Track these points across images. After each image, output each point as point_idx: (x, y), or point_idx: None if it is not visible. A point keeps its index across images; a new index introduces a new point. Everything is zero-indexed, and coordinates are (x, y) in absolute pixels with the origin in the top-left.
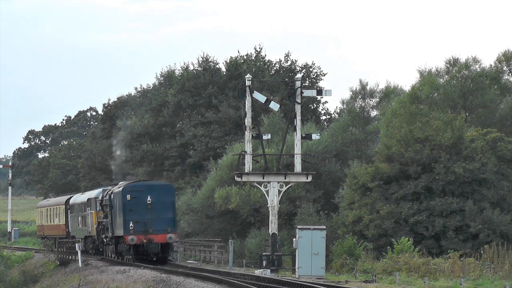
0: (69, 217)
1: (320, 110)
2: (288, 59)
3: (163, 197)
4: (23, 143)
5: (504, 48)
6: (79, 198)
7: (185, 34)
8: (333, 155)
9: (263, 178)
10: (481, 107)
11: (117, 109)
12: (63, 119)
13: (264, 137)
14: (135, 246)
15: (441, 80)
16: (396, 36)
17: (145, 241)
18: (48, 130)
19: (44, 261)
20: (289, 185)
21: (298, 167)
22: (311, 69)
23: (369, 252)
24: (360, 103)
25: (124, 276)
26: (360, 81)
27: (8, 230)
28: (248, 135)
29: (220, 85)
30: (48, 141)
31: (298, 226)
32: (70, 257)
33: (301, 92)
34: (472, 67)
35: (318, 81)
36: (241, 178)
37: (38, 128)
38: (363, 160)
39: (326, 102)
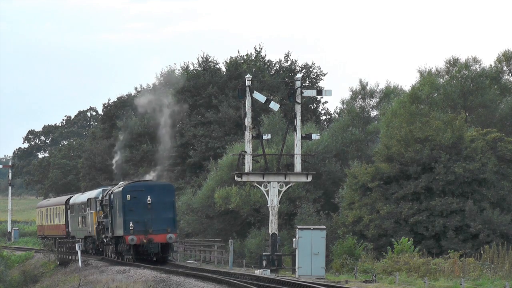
0: (69, 217)
1: (320, 110)
2: (288, 59)
3: (163, 197)
4: (23, 143)
5: (504, 48)
6: (79, 198)
7: (185, 34)
8: (333, 155)
9: (263, 178)
10: (481, 107)
11: (117, 109)
12: (63, 119)
13: (264, 137)
14: (135, 246)
15: (441, 80)
16: (396, 36)
17: (145, 241)
18: (48, 130)
19: (44, 261)
20: (289, 185)
21: (298, 167)
22: (311, 69)
23: (369, 252)
24: (360, 103)
25: (124, 276)
26: (360, 81)
27: (8, 230)
28: (248, 135)
29: (220, 85)
30: (48, 141)
31: (298, 226)
32: (70, 257)
33: (301, 92)
34: (472, 67)
35: (318, 81)
36: (241, 178)
37: (38, 128)
38: (363, 160)
39: (326, 102)
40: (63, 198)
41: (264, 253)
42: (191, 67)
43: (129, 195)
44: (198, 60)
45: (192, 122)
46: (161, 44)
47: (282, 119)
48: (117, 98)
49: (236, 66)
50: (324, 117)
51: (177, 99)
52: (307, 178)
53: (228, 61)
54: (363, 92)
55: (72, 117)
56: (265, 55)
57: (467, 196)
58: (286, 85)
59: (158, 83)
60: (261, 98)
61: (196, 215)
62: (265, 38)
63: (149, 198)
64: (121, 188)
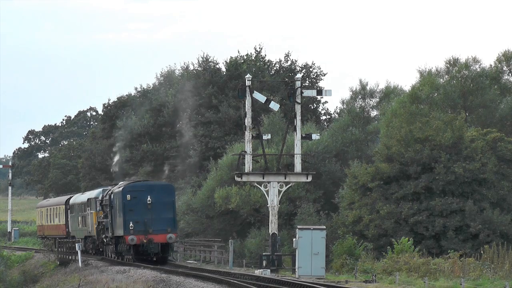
0: (69, 217)
1: (320, 110)
2: (288, 59)
3: (163, 197)
4: (23, 143)
5: (504, 48)
6: (79, 198)
7: (185, 34)
8: (333, 155)
9: (263, 178)
10: (481, 107)
11: (117, 109)
12: (63, 119)
13: (264, 137)
14: (135, 246)
15: (441, 80)
16: (396, 36)
17: (145, 241)
18: (48, 130)
19: (44, 261)
20: (289, 185)
21: (298, 167)
22: (311, 69)
23: (369, 252)
24: (360, 103)
25: (124, 276)
26: (360, 81)
27: (8, 230)
28: (248, 135)
29: (220, 85)
30: (48, 141)
31: (298, 226)
32: (70, 257)
33: (301, 92)
34: (472, 67)
35: (318, 81)
36: (241, 178)
37: (38, 128)
38: (363, 160)
39: (326, 102)
40: (63, 198)
41: (264, 253)
42: (191, 67)
43: (129, 195)
44: (198, 60)
45: (192, 122)
46: (161, 44)
47: (282, 119)
48: (117, 98)
49: (236, 66)
50: (324, 117)
51: (177, 99)
52: (307, 178)
53: (228, 61)
54: (363, 92)
55: (72, 117)
56: (265, 55)
57: (467, 196)
58: (286, 85)
59: (158, 83)
60: (261, 98)
61: (196, 215)
62: (265, 38)
63: (149, 198)
64: (121, 188)
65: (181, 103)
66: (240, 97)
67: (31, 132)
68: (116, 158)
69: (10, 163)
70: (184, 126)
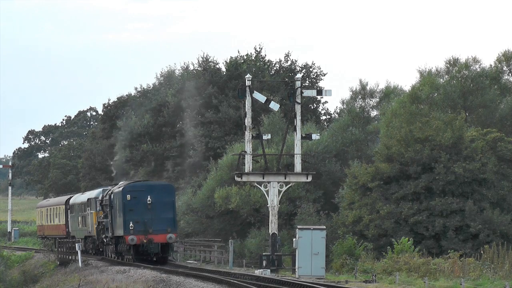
0: (69, 217)
1: (320, 110)
2: (288, 59)
3: (163, 197)
4: (23, 143)
5: (504, 48)
6: (79, 198)
7: (185, 34)
8: (333, 155)
9: (263, 178)
10: (481, 107)
11: (117, 109)
12: (63, 119)
13: (264, 137)
14: (135, 246)
15: (441, 80)
16: (396, 36)
17: (145, 241)
18: (48, 130)
19: (44, 261)
20: (289, 185)
21: (298, 167)
22: (311, 69)
23: (369, 252)
24: (360, 103)
25: (124, 276)
26: (360, 81)
27: (8, 230)
28: (248, 135)
29: (220, 85)
30: (48, 141)
31: (298, 226)
32: (70, 257)
33: (301, 92)
34: (472, 67)
35: (318, 81)
36: (241, 178)
37: (38, 128)
38: (363, 160)
39: (326, 102)
40: (63, 198)
41: (264, 253)
42: (191, 67)
43: (129, 195)
44: (198, 60)
45: (192, 122)
46: (161, 44)
47: (282, 119)
48: (117, 98)
49: (236, 66)
50: (324, 117)
51: (177, 99)
52: (307, 178)
53: (228, 61)
54: (363, 92)
55: (72, 117)
56: (265, 55)
57: (467, 196)
58: (286, 85)
59: (158, 83)
60: (261, 98)
61: (196, 215)
62: (265, 38)
63: (149, 198)
64: (121, 188)
65: (182, 103)
66: (240, 97)
67: (31, 132)
68: (116, 158)
69: (10, 163)
70: (185, 126)
